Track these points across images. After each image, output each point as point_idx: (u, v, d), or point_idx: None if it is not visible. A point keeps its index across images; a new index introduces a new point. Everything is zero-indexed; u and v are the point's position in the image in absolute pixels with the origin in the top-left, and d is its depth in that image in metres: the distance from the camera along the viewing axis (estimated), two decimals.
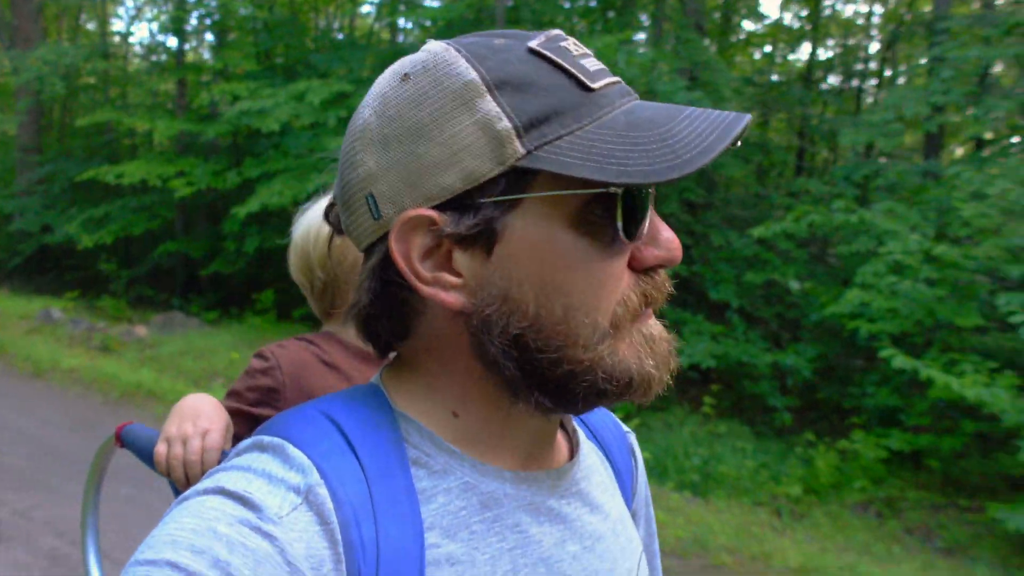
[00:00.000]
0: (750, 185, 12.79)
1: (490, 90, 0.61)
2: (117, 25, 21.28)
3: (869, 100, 13.79)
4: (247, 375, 1.36)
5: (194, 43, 16.50)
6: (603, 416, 0.89)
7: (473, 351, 0.65)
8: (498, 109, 0.60)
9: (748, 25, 14.52)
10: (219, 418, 1.20)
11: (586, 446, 0.80)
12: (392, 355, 0.74)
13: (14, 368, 8.27)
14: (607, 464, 0.84)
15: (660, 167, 0.58)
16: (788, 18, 14.86)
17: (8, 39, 15.57)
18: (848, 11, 17.07)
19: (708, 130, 0.60)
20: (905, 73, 12.54)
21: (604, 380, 0.63)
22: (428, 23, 11.41)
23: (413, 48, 0.71)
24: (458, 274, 0.64)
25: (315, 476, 0.59)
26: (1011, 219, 6.20)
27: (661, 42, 10.53)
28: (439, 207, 0.62)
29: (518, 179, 0.61)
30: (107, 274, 13.54)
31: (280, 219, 11.38)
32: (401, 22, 14.06)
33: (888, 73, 13.37)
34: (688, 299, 9.00)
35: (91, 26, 20.27)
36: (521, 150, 0.60)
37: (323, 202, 1.40)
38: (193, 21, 14.36)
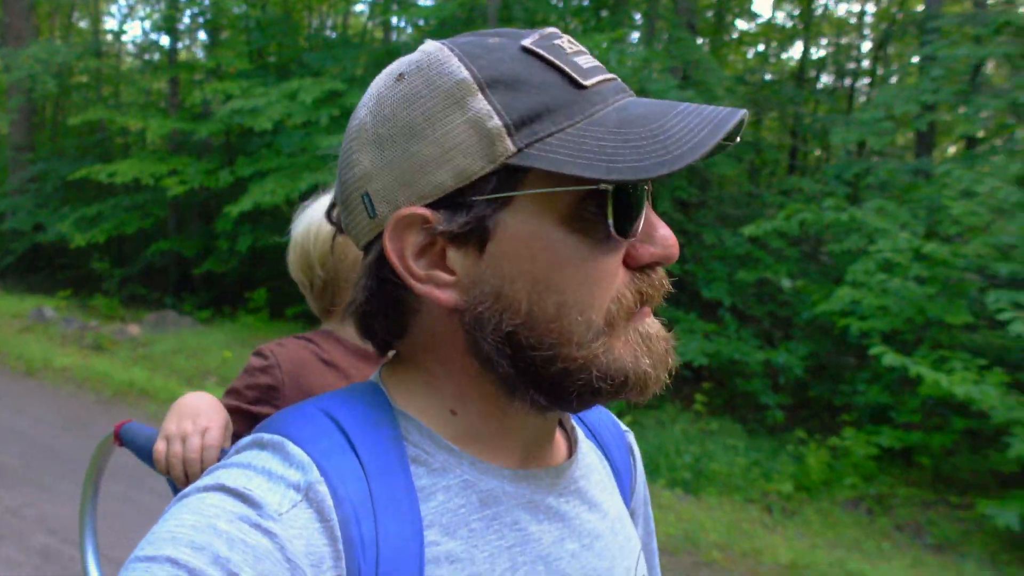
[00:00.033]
0: (742, 183, 12.78)
1: (482, 88, 0.61)
2: (110, 23, 21.19)
3: (861, 99, 13.84)
4: (246, 373, 1.36)
5: (187, 42, 16.46)
6: (601, 415, 0.89)
7: (468, 349, 0.65)
8: (489, 107, 0.60)
9: (741, 24, 14.60)
10: (218, 416, 1.20)
11: (585, 445, 0.80)
12: (391, 353, 0.74)
13: (6, 367, 8.23)
14: (606, 463, 0.84)
15: (650, 163, 0.57)
16: (780, 17, 14.96)
17: (0, 37, 15.48)
18: (840, 10, 17.12)
19: (700, 126, 0.59)
20: (897, 72, 12.58)
21: (599, 378, 0.63)
22: (421, 22, 11.39)
23: (406, 46, 0.71)
24: (451, 272, 0.64)
25: (315, 473, 0.59)
26: (1000, 217, 6.21)
27: (653, 41, 10.54)
28: (432, 205, 0.63)
29: (509, 177, 0.61)
30: (100, 273, 13.46)
31: (273, 218, 11.36)
32: (394, 21, 14.04)
33: (880, 72, 13.40)
34: (680, 297, 9.00)
35: (83, 24, 20.17)
36: (512, 148, 0.60)
37: (323, 200, 1.41)
38: (186, 19, 14.31)
